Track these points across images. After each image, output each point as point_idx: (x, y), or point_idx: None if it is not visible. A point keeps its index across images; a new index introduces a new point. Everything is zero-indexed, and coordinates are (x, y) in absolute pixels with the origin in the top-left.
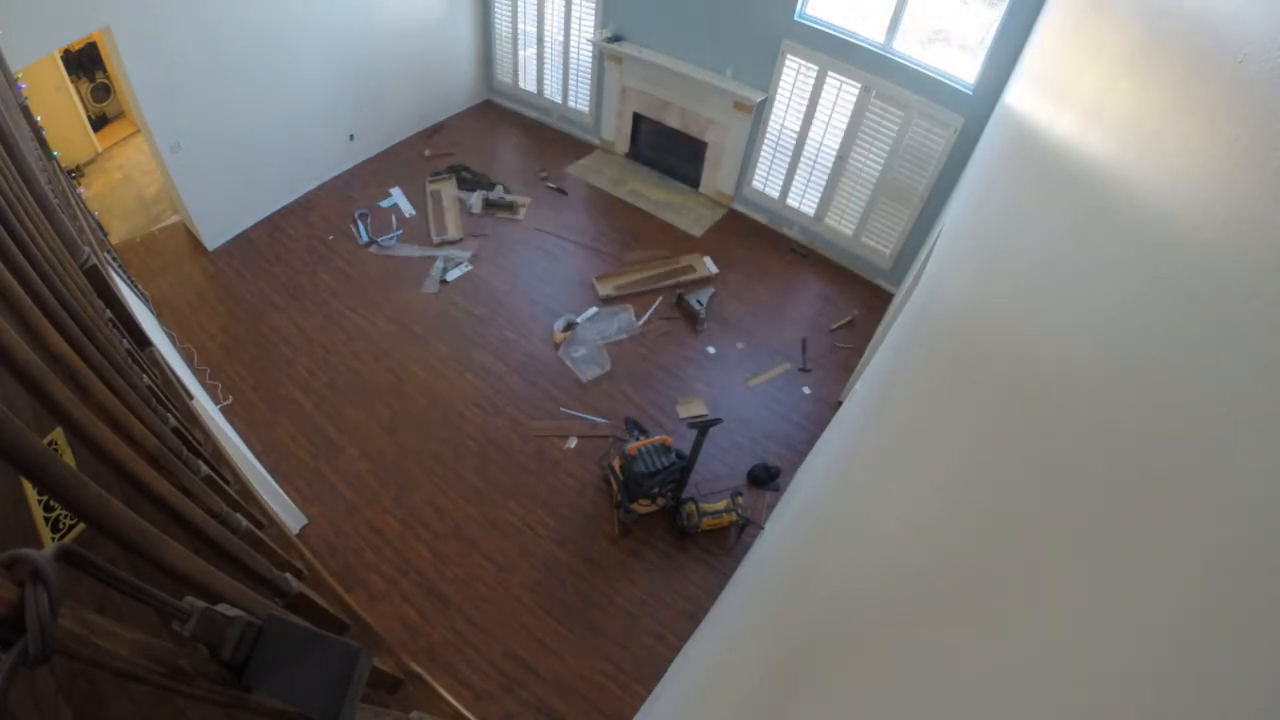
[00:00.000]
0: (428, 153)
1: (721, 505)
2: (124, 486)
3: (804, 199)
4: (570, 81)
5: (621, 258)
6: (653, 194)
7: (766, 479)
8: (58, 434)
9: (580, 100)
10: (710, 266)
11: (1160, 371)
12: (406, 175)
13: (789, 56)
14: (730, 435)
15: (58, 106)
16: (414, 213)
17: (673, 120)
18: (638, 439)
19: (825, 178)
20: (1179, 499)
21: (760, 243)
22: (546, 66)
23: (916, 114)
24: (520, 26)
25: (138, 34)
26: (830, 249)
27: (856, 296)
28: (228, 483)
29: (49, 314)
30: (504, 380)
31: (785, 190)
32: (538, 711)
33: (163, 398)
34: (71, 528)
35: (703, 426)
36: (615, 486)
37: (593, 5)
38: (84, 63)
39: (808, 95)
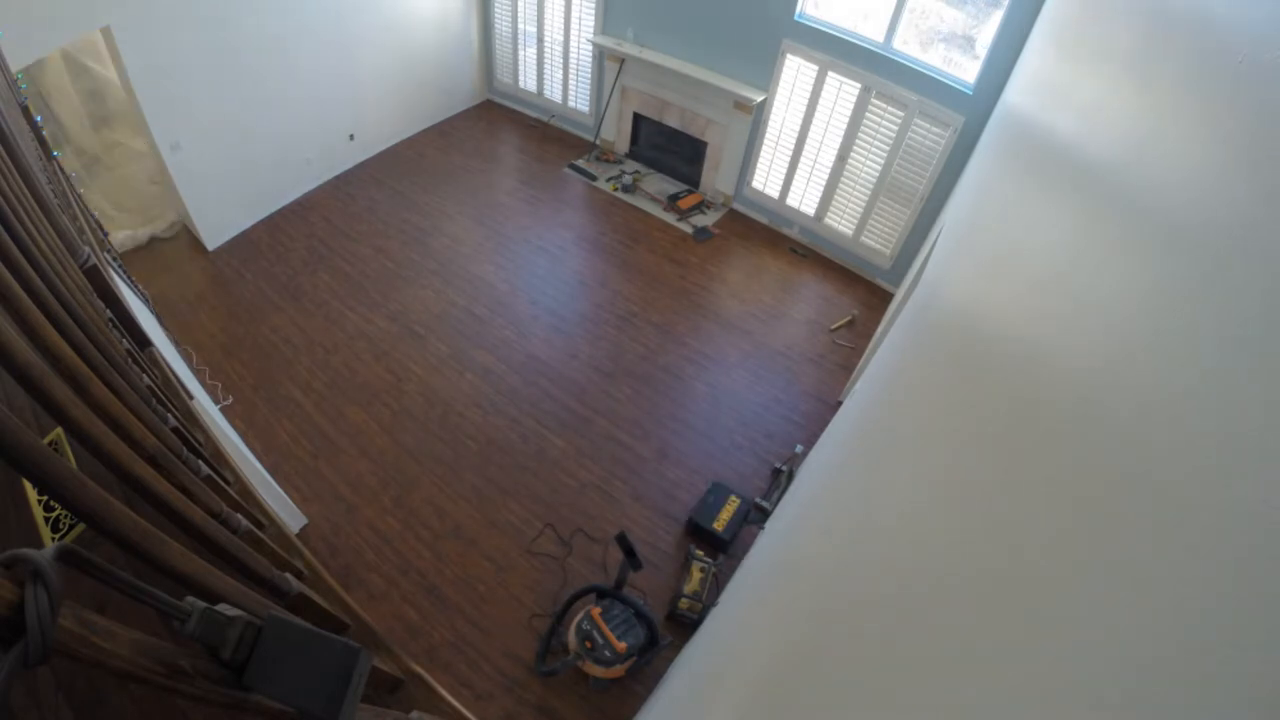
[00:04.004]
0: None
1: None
2: (124, 486)
3: (804, 199)
4: (570, 81)
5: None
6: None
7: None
8: (58, 434)
9: (580, 100)
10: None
11: (1161, 370)
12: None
13: (789, 56)
14: (730, 435)
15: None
16: None
17: (673, 120)
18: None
19: (825, 177)
20: (1184, 500)
21: (760, 242)
22: (546, 66)
23: (916, 113)
24: (520, 26)
25: (138, 34)
26: (830, 249)
27: (856, 296)
28: (228, 483)
29: (49, 314)
30: (504, 380)
31: (785, 190)
32: (538, 711)
33: (163, 398)
34: (71, 528)
35: (627, 550)
36: (575, 642)
37: (593, 5)
38: None
39: (808, 95)
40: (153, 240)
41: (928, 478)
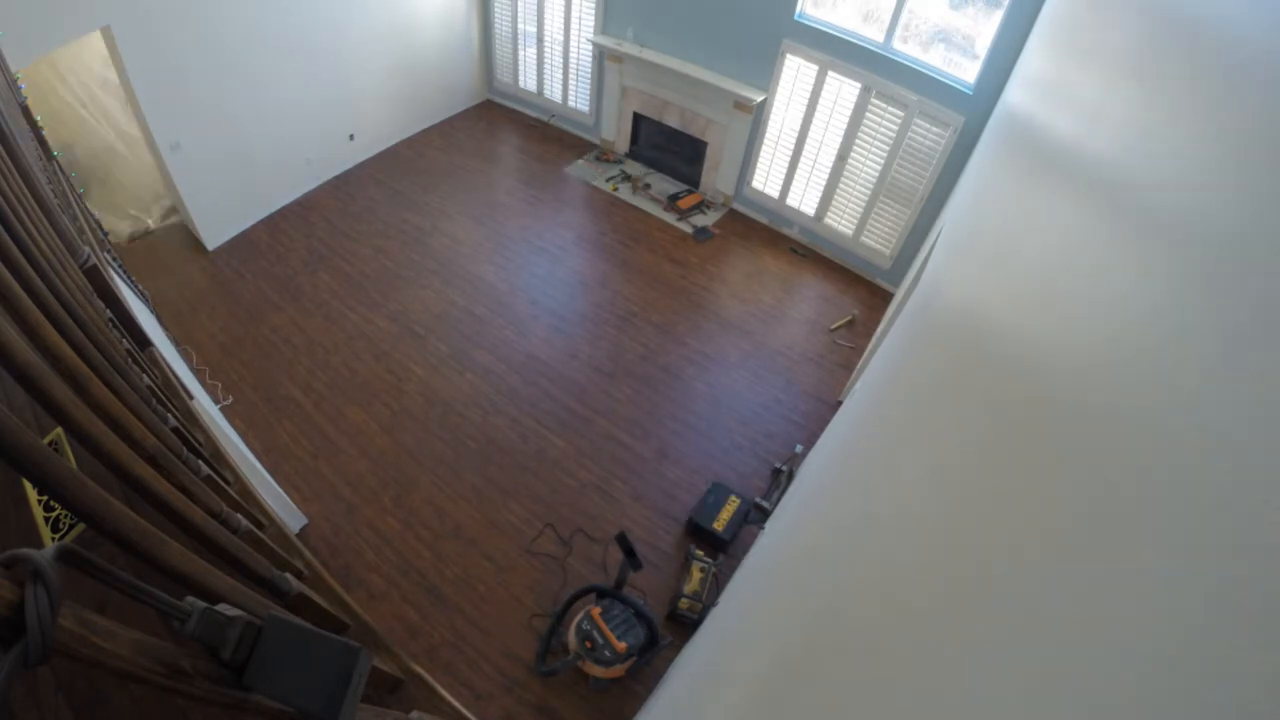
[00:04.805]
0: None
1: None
2: (124, 486)
3: (804, 199)
4: (570, 81)
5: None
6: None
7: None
8: (58, 434)
9: (580, 100)
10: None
11: (1163, 369)
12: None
13: (789, 56)
14: (730, 435)
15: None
16: None
17: (673, 120)
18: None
19: (825, 178)
20: (1187, 499)
21: (760, 242)
22: (546, 66)
23: (916, 113)
24: (520, 26)
25: (138, 34)
26: (830, 249)
27: (856, 296)
28: (228, 483)
29: (49, 314)
30: (504, 380)
31: (785, 190)
32: (538, 711)
33: (163, 398)
34: (71, 528)
35: (627, 550)
36: (574, 642)
37: (593, 5)
38: None
39: (808, 95)
40: (149, 233)
41: (929, 477)
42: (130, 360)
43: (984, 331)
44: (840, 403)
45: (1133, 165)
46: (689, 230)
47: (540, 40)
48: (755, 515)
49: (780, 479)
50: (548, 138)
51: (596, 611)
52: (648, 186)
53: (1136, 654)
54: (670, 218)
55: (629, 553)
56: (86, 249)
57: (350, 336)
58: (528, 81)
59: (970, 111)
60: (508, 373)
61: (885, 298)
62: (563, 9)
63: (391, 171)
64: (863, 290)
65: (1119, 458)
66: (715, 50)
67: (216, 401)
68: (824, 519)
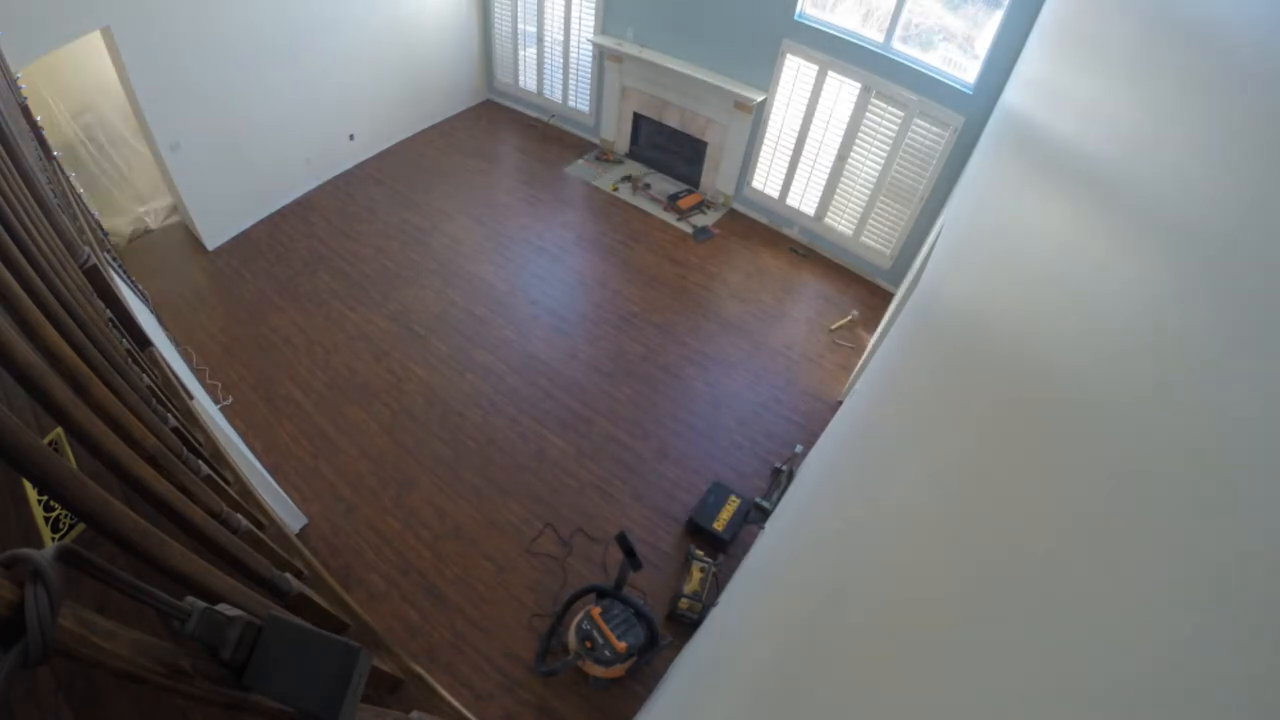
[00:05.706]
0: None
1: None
2: (124, 486)
3: (804, 199)
4: (570, 81)
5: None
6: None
7: (629, 552)
8: (58, 434)
9: (580, 100)
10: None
11: (1162, 368)
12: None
13: (789, 56)
14: (730, 435)
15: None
16: None
17: (673, 120)
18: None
19: (825, 177)
20: (1185, 497)
21: (760, 242)
22: (546, 66)
23: (916, 113)
24: (520, 26)
25: (138, 34)
26: (830, 249)
27: (856, 296)
28: (228, 483)
29: (49, 314)
30: (504, 380)
31: (785, 190)
32: (538, 711)
33: (163, 398)
34: (71, 528)
35: (627, 550)
36: (574, 641)
37: (593, 5)
38: None
39: (808, 95)
40: (149, 233)
41: (928, 477)
42: (130, 360)
43: (984, 330)
44: (840, 403)
45: (1132, 165)
46: (689, 230)
47: (540, 40)
48: (755, 515)
49: (780, 479)
50: (548, 138)
51: (596, 611)
52: (648, 186)
53: (1136, 652)
54: (670, 217)
55: (629, 553)
56: (86, 249)
57: (350, 336)
58: (528, 81)
59: (970, 111)
60: (508, 373)
61: (885, 298)
62: (563, 9)
63: (391, 171)
64: (863, 290)
65: (1118, 456)
66: (715, 50)
67: (216, 401)
68: (824, 518)
